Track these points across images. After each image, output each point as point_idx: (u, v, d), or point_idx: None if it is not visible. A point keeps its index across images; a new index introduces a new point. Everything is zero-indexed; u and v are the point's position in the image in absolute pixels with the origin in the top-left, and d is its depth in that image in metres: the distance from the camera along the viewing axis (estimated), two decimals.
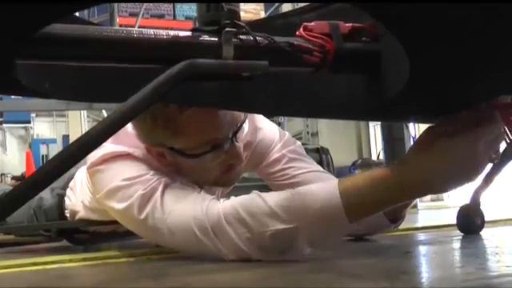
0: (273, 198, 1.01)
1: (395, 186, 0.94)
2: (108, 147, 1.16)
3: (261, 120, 1.42)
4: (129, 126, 1.18)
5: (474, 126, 0.91)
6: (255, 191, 1.04)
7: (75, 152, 0.65)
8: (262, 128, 1.41)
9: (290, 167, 1.40)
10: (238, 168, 1.24)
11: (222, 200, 1.06)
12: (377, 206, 0.98)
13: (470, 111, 0.92)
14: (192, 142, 1.14)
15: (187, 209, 1.06)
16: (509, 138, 0.99)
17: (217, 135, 1.14)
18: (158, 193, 1.09)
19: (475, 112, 0.92)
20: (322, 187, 1.01)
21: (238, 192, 1.08)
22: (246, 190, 1.05)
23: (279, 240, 0.99)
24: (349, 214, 0.96)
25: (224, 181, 1.26)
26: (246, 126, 1.24)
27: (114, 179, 1.14)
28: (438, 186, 0.94)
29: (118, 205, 1.13)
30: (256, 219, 1.00)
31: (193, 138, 1.13)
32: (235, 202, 1.04)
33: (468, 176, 0.93)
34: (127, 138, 1.17)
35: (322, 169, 1.45)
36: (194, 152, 1.15)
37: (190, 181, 1.18)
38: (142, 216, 1.09)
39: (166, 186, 1.10)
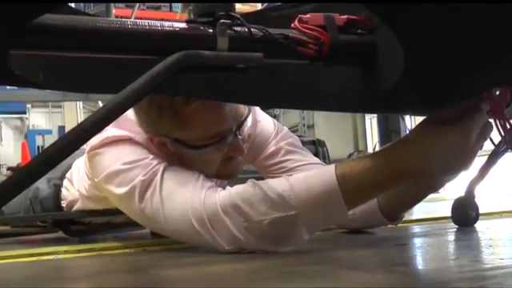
0: (270, 186, 1.01)
1: (390, 170, 0.95)
2: (109, 131, 1.15)
3: (259, 113, 1.42)
4: (129, 113, 1.17)
5: (466, 117, 0.92)
6: (251, 179, 1.05)
7: (71, 141, 0.65)
8: (261, 121, 1.41)
9: (287, 160, 1.41)
10: (238, 160, 1.25)
11: (219, 189, 1.06)
12: (374, 190, 1.00)
13: (460, 103, 0.94)
14: (197, 134, 1.14)
15: (186, 197, 1.06)
16: (503, 131, 0.99)
17: (222, 128, 1.14)
18: (158, 177, 1.09)
19: (465, 103, 0.93)
20: (319, 173, 1.01)
21: (234, 184, 1.08)
22: (243, 182, 1.05)
23: (278, 228, 1.00)
24: (346, 198, 0.96)
25: (225, 173, 1.26)
26: (249, 120, 1.24)
27: (114, 163, 1.13)
28: (431, 172, 0.96)
29: (117, 189, 1.13)
30: (254, 208, 1.00)
31: (198, 130, 1.13)
32: (233, 192, 1.04)
33: (461, 165, 0.95)
34: (128, 124, 1.17)
35: (319, 161, 1.46)
36: (198, 143, 1.15)
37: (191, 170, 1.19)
38: (142, 203, 1.09)
39: (165, 171, 1.10)
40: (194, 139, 1.15)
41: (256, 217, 1.00)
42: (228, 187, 1.06)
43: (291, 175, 1.04)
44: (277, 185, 1.01)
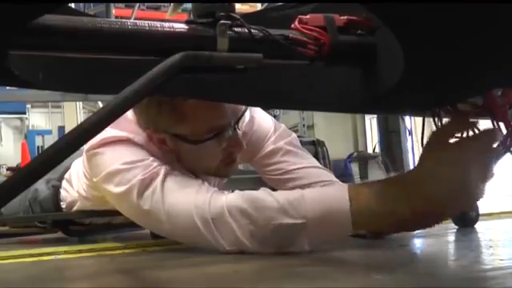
0: (281, 194, 1.02)
1: (400, 202, 0.94)
2: (108, 131, 1.15)
3: (255, 111, 1.42)
4: (129, 113, 1.18)
5: (468, 153, 0.91)
6: (264, 188, 1.06)
7: (71, 142, 0.65)
8: (257, 118, 1.41)
9: (285, 161, 1.41)
10: (237, 156, 1.25)
11: (226, 192, 1.06)
12: (382, 219, 0.98)
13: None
14: (196, 129, 1.15)
15: (189, 197, 1.06)
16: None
17: (221, 123, 1.16)
18: (159, 179, 1.09)
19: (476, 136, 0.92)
20: (333, 191, 1.02)
21: (233, 184, 1.08)
22: (241, 183, 1.05)
23: (282, 234, 1.00)
24: (354, 221, 0.97)
25: (224, 171, 1.27)
26: (247, 115, 1.25)
27: (114, 162, 1.13)
28: (438, 207, 0.93)
29: (116, 189, 1.13)
30: (261, 212, 1.00)
31: (197, 124, 1.14)
32: (241, 196, 1.04)
33: (465, 201, 0.93)
34: (127, 124, 1.17)
35: (317, 163, 1.46)
36: (197, 138, 1.15)
37: (189, 169, 1.19)
38: (141, 201, 1.09)
39: (167, 173, 1.10)
40: (193, 134, 1.15)
41: (262, 221, 1.00)
42: (237, 191, 1.06)
43: (289, 183, 1.04)
44: (287, 194, 1.02)
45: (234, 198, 1.04)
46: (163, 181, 1.09)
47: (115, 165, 1.13)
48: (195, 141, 1.15)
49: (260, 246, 1.02)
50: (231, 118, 1.17)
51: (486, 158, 0.91)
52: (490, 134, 0.92)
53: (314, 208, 0.98)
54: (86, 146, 1.20)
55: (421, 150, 0.97)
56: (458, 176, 0.90)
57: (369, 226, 1.01)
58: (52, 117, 11.56)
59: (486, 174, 0.91)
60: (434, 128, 0.97)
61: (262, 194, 1.03)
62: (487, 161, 0.91)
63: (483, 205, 1.47)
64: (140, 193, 1.09)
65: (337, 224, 0.98)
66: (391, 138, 5.20)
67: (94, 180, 1.20)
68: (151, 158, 1.13)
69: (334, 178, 1.40)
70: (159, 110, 1.12)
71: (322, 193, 1.02)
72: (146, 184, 1.09)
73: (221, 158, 1.22)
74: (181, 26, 0.77)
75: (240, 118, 1.20)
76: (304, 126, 6.66)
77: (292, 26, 0.83)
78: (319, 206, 0.98)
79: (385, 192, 0.96)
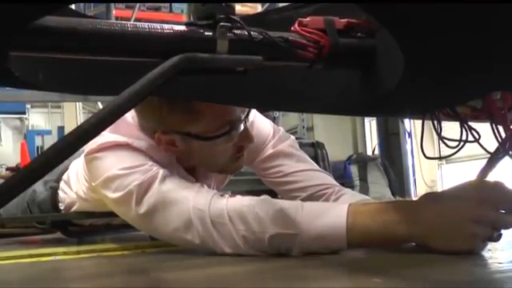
0: (280, 203, 1.03)
1: (401, 226, 0.95)
2: (107, 136, 1.15)
3: (254, 115, 1.42)
4: (128, 116, 1.18)
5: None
6: (266, 195, 1.06)
7: (70, 143, 0.65)
8: (256, 123, 1.42)
9: (284, 164, 1.41)
10: (246, 151, 1.27)
11: (227, 196, 1.07)
12: (381, 240, 0.99)
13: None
14: (210, 125, 1.15)
15: (188, 198, 1.06)
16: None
17: (233, 117, 1.17)
18: (157, 181, 1.09)
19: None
20: (332, 207, 1.03)
21: (232, 186, 1.08)
22: (241, 184, 1.05)
23: (277, 244, 1.01)
24: (350, 240, 0.97)
25: (232, 167, 1.29)
26: (252, 112, 1.26)
27: (112, 168, 1.13)
28: (435, 248, 0.95)
29: (113, 194, 1.12)
30: (258, 220, 1.01)
31: (211, 121, 1.14)
32: (242, 201, 1.04)
33: (460, 249, 0.92)
34: (127, 128, 1.17)
35: (316, 166, 1.46)
36: (211, 135, 1.16)
37: (192, 169, 1.21)
38: (139, 206, 1.09)
39: (165, 177, 1.10)
40: (207, 131, 1.16)
41: (258, 229, 1.01)
42: (239, 196, 1.07)
43: (287, 185, 1.04)
44: (288, 205, 1.02)
45: (235, 202, 1.04)
46: (161, 183, 1.09)
47: (113, 170, 1.12)
48: (208, 137, 1.16)
49: (255, 251, 1.02)
50: (241, 113, 1.18)
51: (488, 212, 0.92)
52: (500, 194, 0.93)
53: (311, 222, 0.99)
54: (85, 149, 1.20)
55: (420, 152, 0.98)
56: (449, 213, 0.92)
57: (366, 245, 1.02)
58: (52, 117, 11.54)
59: (485, 229, 0.91)
60: (434, 131, 0.98)
61: (262, 202, 1.03)
62: (489, 217, 0.91)
63: None
64: (138, 198, 1.09)
65: (331, 240, 0.98)
66: (391, 141, 5.20)
67: (93, 184, 1.20)
68: (150, 163, 1.13)
69: (333, 181, 1.41)
70: (171, 109, 1.12)
71: (321, 207, 1.03)
72: (143, 189, 1.09)
73: (231, 153, 1.23)
74: (181, 28, 0.77)
75: (249, 112, 1.22)
76: (304, 127, 6.67)
77: (292, 28, 0.83)
78: (315, 221, 0.99)
79: (385, 214, 0.97)
